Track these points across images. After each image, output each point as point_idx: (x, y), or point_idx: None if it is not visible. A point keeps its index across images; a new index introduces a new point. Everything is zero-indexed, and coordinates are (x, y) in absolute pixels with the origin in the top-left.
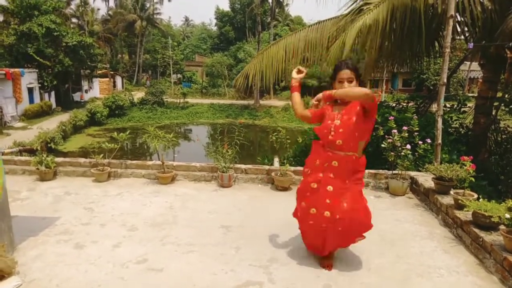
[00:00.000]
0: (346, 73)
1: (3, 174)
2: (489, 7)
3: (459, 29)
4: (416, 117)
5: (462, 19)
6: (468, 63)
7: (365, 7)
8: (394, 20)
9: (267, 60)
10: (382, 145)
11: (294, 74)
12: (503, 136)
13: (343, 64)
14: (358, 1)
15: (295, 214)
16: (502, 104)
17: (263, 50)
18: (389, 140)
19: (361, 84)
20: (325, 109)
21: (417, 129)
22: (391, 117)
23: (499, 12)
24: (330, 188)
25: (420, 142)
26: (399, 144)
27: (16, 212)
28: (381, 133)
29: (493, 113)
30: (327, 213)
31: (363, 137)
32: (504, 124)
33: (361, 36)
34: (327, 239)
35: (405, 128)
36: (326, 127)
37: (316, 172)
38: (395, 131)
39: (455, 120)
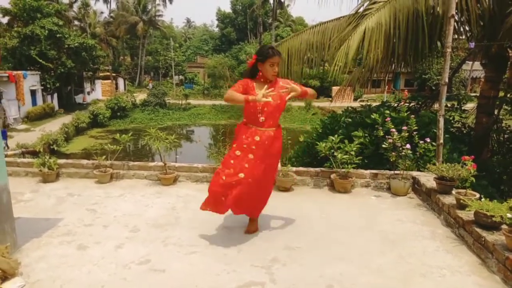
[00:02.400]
0: (277, 59)
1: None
2: (489, 6)
3: (461, 29)
4: (412, 116)
5: (463, 18)
6: (471, 62)
7: (367, 12)
8: (397, 22)
9: None
10: (383, 146)
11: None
12: (506, 136)
13: (275, 51)
14: (362, 6)
15: None
16: (504, 104)
17: None
18: (389, 141)
19: None
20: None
21: (415, 128)
22: (388, 118)
23: (500, 11)
24: None
25: (422, 142)
26: (399, 144)
27: (19, 214)
28: (381, 133)
29: (496, 112)
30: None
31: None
32: (506, 123)
33: (365, 39)
34: None
35: (404, 128)
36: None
37: None
38: (394, 130)
39: (458, 120)
